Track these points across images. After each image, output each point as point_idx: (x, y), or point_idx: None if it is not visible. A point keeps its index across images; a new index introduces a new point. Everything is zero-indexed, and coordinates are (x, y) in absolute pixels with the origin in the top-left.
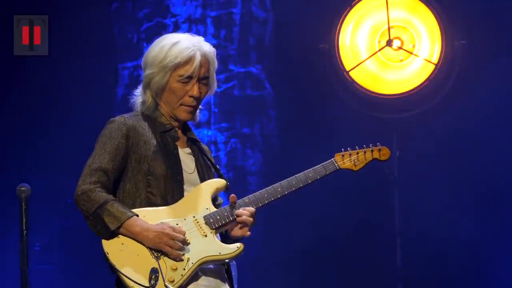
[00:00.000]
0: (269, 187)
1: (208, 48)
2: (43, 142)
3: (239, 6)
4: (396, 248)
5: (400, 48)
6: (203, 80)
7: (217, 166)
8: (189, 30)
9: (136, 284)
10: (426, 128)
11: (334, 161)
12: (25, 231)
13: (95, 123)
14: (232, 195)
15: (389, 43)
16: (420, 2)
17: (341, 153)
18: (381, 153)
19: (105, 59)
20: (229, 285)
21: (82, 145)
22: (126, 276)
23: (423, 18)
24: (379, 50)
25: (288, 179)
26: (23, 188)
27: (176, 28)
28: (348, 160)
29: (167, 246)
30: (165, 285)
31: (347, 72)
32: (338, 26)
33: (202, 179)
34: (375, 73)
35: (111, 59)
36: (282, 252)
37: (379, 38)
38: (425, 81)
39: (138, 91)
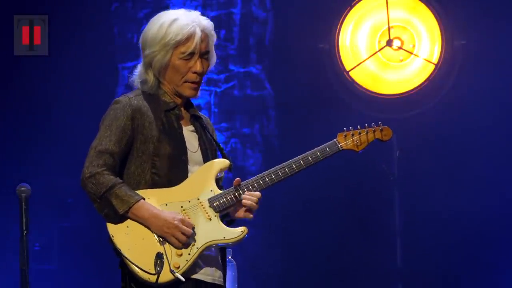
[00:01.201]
0: (272, 169)
1: (206, 22)
2: (43, 142)
3: (239, 6)
4: (396, 248)
5: (400, 48)
6: (205, 55)
7: (221, 145)
8: None
9: (141, 271)
10: (426, 128)
11: (336, 141)
12: (25, 231)
13: (95, 123)
14: (237, 178)
15: (389, 43)
16: (420, 2)
17: (344, 132)
18: (383, 133)
19: (105, 59)
20: (222, 272)
21: (82, 145)
22: (131, 262)
23: (423, 18)
24: (379, 50)
25: (291, 160)
26: (23, 188)
27: None
28: (351, 140)
29: (173, 237)
30: (171, 271)
31: (347, 72)
32: (338, 26)
33: (205, 157)
34: (375, 73)
35: (111, 59)
36: (282, 252)
37: (379, 38)
38: (425, 81)
39: (138, 70)
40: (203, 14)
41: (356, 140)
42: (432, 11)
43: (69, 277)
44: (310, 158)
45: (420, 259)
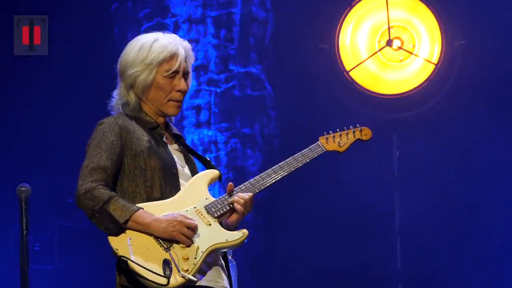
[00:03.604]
0: (262, 173)
1: (186, 43)
2: (43, 142)
3: (239, 6)
4: (396, 248)
5: (400, 48)
6: (185, 74)
7: (207, 158)
8: (189, 30)
9: (152, 274)
10: (426, 128)
11: (319, 143)
12: (25, 231)
13: (95, 123)
14: (230, 183)
15: (389, 43)
16: (420, 2)
17: (325, 136)
18: (363, 133)
19: (105, 59)
20: (227, 278)
21: (82, 145)
22: (142, 266)
23: (423, 18)
24: (379, 50)
25: (279, 164)
26: (23, 188)
27: (176, 28)
28: (332, 142)
29: (181, 233)
30: (181, 275)
31: (347, 72)
32: (338, 26)
33: (193, 173)
34: (375, 73)
35: (111, 59)
36: (282, 252)
37: (379, 38)
38: (425, 81)
39: (117, 94)
40: (203, 14)
41: (338, 142)
42: (432, 11)
43: (69, 277)
44: (296, 161)
45: (420, 259)
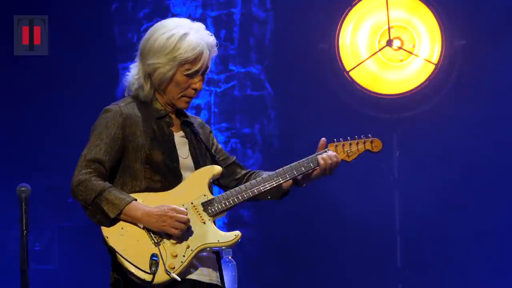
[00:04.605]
0: (266, 177)
1: (212, 39)
2: (43, 142)
3: (239, 6)
4: (396, 248)
5: (400, 48)
6: (205, 71)
7: (213, 152)
8: None
9: (137, 269)
10: (426, 128)
11: (327, 151)
12: (25, 231)
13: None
14: (323, 138)
15: (389, 43)
16: (420, 2)
17: (334, 143)
18: (373, 144)
19: (105, 59)
20: (219, 273)
21: (82, 145)
22: (127, 260)
23: (423, 18)
24: (379, 50)
25: (284, 167)
26: (23, 188)
27: None
28: (341, 150)
29: (172, 228)
30: (166, 272)
31: (347, 72)
32: (338, 26)
33: (196, 163)
34: (375, 73)
35: (111, 59)
36: (281, 252)
37: (379, 38)
38: (425, 81)
39: (135, 73)
40: (203, 14)
41: (347, 151)
42: (432, 11)
43: (69, 277)
44: (302, 168)
45: (420, 259)
